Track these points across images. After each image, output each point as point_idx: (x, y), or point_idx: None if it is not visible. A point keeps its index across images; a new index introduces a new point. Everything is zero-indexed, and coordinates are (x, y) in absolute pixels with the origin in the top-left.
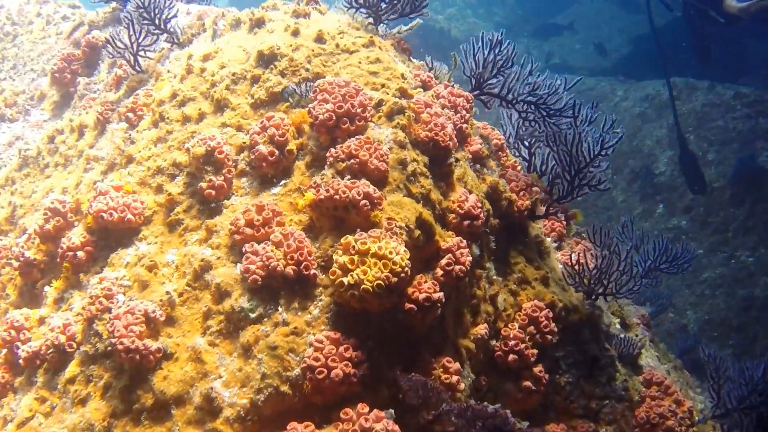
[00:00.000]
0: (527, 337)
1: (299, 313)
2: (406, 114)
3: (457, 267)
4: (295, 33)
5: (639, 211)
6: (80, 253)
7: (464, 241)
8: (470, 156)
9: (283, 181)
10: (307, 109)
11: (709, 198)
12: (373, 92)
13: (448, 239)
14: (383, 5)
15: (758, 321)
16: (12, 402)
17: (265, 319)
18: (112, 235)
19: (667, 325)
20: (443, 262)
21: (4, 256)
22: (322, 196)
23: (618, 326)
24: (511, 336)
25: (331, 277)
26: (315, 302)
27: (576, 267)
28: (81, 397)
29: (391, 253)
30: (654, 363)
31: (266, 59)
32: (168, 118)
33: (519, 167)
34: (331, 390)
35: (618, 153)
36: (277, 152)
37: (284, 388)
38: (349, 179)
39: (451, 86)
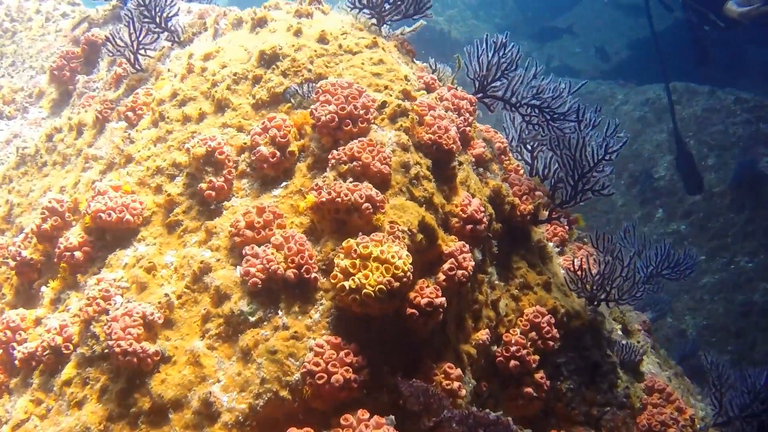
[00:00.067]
0: (529, 343)
1: (299, 317)
2: (410, 116)
3: (460, 272)
4: (298, 33)
5: (638, 215)
6: (78, 254)
7: (467, 246)
8: (473, 159)
9: (284, 183)
10: (309, 110)
11: (709, 203)
12: (376, 94)
13: (450, 243)
14: (387, 6)
15: (757, 327)
16: (7, 403)
17: (265, 323)
18: (110, 236)
19: (666, 331)
20: (445, 266)
21: (1, 255)
22: (323, 199)
23: (620, 332)
24: (513, 342)
25: (332, 280)
26: (316, 306)
27: (579, 272)
28: (77, 400)
29: (393, 257)
30: (655, 370)
31: (268, 59)
32: (168, 117)
33: (522, 171)
34: (331, 395)
35: (618, 157)
36: (278, 153)
37: (284, 393)
38: (351, 182)
39: (455, 88)
